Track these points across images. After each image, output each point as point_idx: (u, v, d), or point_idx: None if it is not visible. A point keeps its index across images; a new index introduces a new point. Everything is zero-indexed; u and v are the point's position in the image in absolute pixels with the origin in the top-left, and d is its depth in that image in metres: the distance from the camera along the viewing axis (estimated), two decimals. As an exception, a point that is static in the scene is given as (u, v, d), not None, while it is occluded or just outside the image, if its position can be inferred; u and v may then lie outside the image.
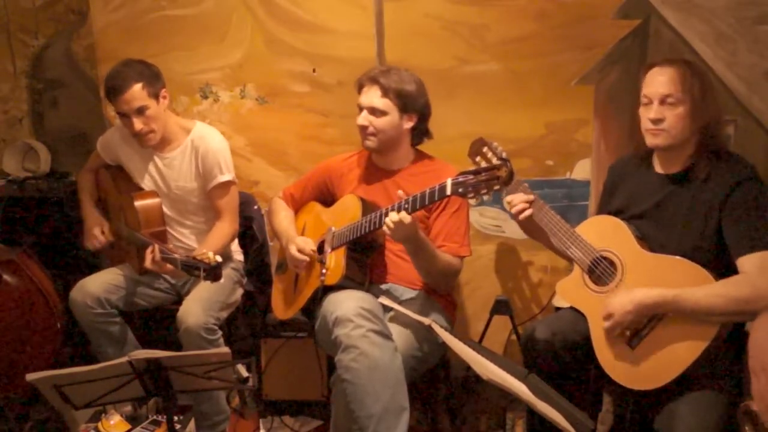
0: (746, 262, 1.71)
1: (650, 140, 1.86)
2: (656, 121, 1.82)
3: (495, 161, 1.97)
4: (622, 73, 2.43)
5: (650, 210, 1.90)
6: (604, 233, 1.92)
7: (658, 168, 1.93)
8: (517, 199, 2.00)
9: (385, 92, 2.14)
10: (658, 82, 1.82)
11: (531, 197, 1.99)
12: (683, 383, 1.71)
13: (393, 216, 1.93)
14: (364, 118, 2.18)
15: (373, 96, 2.15)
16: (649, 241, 1.87)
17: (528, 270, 2.68)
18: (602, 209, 2.09)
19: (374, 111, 2.15)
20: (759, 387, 1.42)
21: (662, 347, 1.75)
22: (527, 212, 1.98)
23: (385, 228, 1.95)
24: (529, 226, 2.04)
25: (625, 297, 1.78)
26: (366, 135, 2.19)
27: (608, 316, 1.81)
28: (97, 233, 2.50)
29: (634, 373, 1.80)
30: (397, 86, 2.14)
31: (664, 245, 1.83)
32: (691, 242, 1.80)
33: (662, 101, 1.81)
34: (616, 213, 1.97)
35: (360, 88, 2.21)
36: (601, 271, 1.89)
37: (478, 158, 2.07)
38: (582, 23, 2.43)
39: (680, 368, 1.71)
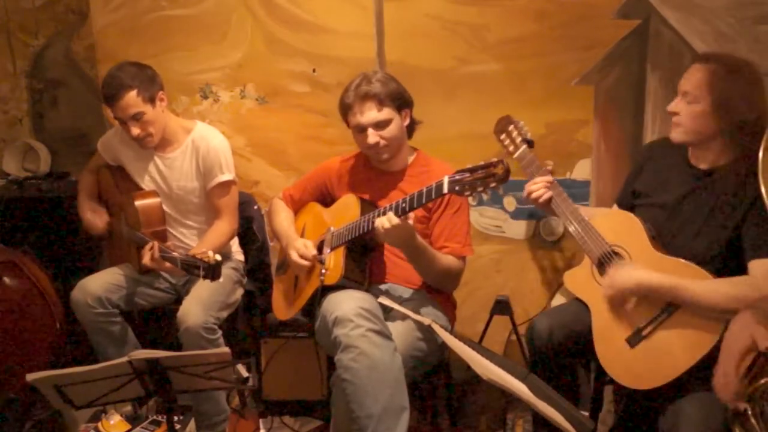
0: (757, 266, 1.70)
1: (671, 133, 1.88)
2: (672, 114, 1.84)
3: (518, 141, 2.07)
4: (622, 73, 2.43)
5: (672, 203, 1.88)
6: (618, 228, 1.92)
7: (691, 159, 1.90)
8: (535, 186, 2.02)
9: (381, 102, 2.10)
10: (685, 77, 1.83)
11: (549, 178, 2.02)
12: (687, 383, 1.70)
13: (382, 220, 1.90)
14: (373, 136, 2.12)
15: (371, 112, 2.11)
16: (663, 236, 1.87)
17: (528, 270, 2.69)
18: (627, 187, 2.08)
19: (378, 125, 2.12)
20: (724, 369, 1.53)
21: (661, 350, 1.75)
22: (546, 195, 2.00)
23: (379, 230, 1.93)
24: (547, 209, 2.06)
25: (627, 274, 1.80)
26: (379, 150, 2.15)
27: (609, 287, 1.84)
28: (91, 216, 2.52)
29: (629, 371, 1.81)
30: (386, 90, 2.11)
31: (678, 242, 1.83)
32: (705, 245, 1.79)
33: (683, 95, 1.82)
34: (639, 196, 1.97)
35: (348, 109, 2.14)
36: (610, 265, 1.89)
37: (503, 136, 2.14)
38: (582, 23, 2.43)
39: (675, 373, 1.71)
